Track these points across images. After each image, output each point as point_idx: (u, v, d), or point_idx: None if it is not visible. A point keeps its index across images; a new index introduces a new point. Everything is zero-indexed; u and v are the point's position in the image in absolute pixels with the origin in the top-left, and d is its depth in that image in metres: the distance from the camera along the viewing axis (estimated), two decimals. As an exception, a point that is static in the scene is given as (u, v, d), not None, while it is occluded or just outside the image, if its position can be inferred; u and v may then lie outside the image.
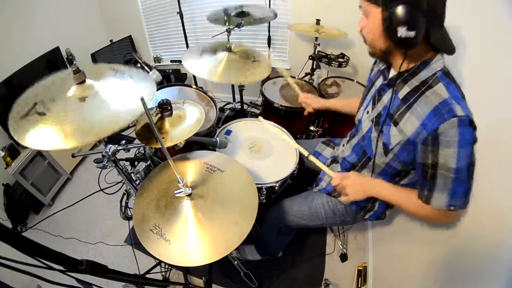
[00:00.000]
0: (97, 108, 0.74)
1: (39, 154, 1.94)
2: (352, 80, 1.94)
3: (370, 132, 0.91)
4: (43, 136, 0.65)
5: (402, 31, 0.64)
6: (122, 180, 1.44)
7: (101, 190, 2.04)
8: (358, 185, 0.94)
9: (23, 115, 0.67)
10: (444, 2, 0.66)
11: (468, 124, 0.66)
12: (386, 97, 0.85)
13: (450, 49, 0.71)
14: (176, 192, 0.82)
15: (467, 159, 0.68)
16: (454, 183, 0.71)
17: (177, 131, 0.99)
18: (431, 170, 0.74)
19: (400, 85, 0.80)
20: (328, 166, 1.18)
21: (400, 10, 0.63)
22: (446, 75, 0.72)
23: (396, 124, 0.80)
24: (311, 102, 1.34)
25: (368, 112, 0.95)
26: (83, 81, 0.77)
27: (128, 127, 2.77)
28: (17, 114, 0.69)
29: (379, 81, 0.92)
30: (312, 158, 1.07)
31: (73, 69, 0.74)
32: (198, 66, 1.39)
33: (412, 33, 0.64)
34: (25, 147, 1.79)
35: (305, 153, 1.08)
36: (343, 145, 1.13)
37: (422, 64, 0.74)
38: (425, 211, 0.80)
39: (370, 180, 0.95)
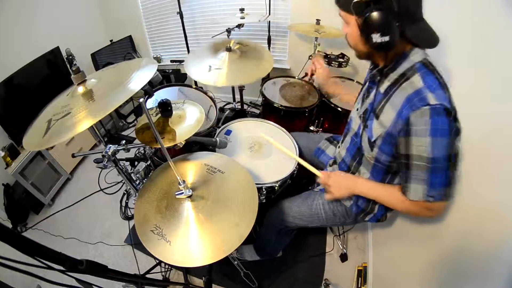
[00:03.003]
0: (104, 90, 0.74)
1: (39, 154, 1.94)
2: (352, 80, 1.94)
3: (360, 128, 0.93)
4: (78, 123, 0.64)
5: (376, 38, 0.67)
6: (122, 180, 1.44)
7: (101, 190, 2.04)
8: (341, 183, 0.97)
9: (44, 133, 0.67)
10: None
11: (443, 113, 0.65)
12: (373, 94, 0.87)
13: (429, 43, 0.72)
14: (176, 193, 0.83)
15: (443, 149, 0.67)
16: (430, 173, 0.70)
17: (177, 131, 0.99)
18: (406, 160, 0.74)
19: (382, 80, 0.82)
20: (330, 166, 1.18)
21: (371, 17, 0.65)
22: (425, 66, 0.73)
23: (377, 117, 0.81)
24: (323, 70, 1.34)
25: (357, 110, 0.97)
26: (84, 81, 0.77)
27: (128, 127, 2.77)
28: (39, 136, 0.68)
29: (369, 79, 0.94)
30: (299, 160, 1.13)
31: (73, 69, 0.74)
32: (202, 73, 1.41)
33: (386, 38, 0.66)
34: (24, 148, 1.79)
35: (293, 155, 1.15)
36: (339, 146, 1.14)
37: (402, 58, 0.75)
38: (407, 204, 0.79)
39: (352, 178, 0.98)
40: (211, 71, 1.43)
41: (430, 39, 0.72)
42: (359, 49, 0.80)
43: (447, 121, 0.66)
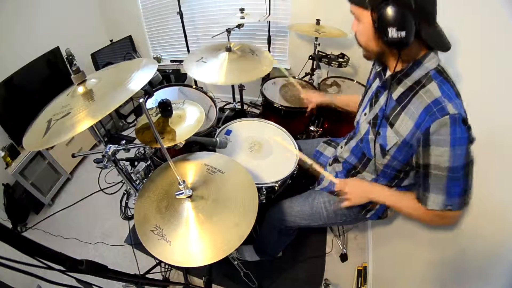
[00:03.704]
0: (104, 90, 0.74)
1: (39, 154, 1.94)
2: (352, 80, 1.94)
3: (367, 134, 0.92)
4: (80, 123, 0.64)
5: (392, 32, 0.64)
6: (122, 180, 1.44)
7: (101, 190, 2.04)
8: (359, 190, 0.96)
9: (44, 133, 0.66)
10: (433, 0, 0.66)
11: (461, 123, 0.66)
12: (383, 99, 0.86)
13: (444, 46, 0.71)
14: (176, 193, 0.83)
15: (461, 158, 0.68)
16: (449, 183, 0.71)
17: (177, 131, 0.99)
18: (425, 170, 0.74)
19: (394, 86, 0.80)
20: (330, 165, 1.19)
21: (388, 11, 0.63)
22: (440, 74, 0.72)
23: (392, 125, 0.80)
24: (313, 97, 1.35)
25: (365, 114, 0.95)
26: (84, 81, 0.77)
27: (128, 127, 2.77)
28: (39, 136, 0.67)
29: (376, 83, 0.93)
30: (316, 166, 1.10)
31: (73, 69, 0.74)
32: (201, 72, 1.41)
33: (402, 33, 0.64)
34: (24, 148, 1.80)
35: (309, 161, 1.12)
36: (341, 147, 1.14)
37: (415, 64, 0.74)
38: (423, 213, 0.79)
39: (369, 185, 0.97)
40: (200, 61, 1.46)
41: (444, 42, 0.71)
42: (370, 47, 0.76)
43: (465, 129, 0.67)
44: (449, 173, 0.69)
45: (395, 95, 0.80)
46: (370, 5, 0.68)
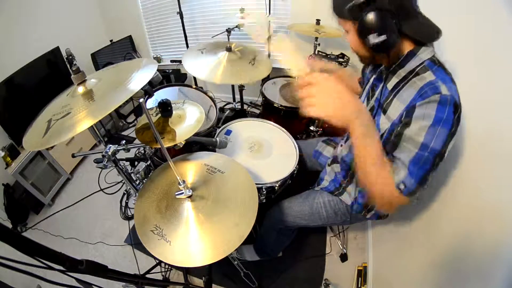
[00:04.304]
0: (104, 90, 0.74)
1: (39, 154, 1.94)
2: (352, 80, 1.94)
3: None
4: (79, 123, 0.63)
5: (374, 38, 0.67)
6: (122, 180, 1.44)
7: (101, 190, 2.04)
8: (332, 92, 0.67)
9: (44, 133, 0.66)
10: None
11: (451, 104, 0.63)
12: (378, 91, 0.87)
13: (430, 36, 0.71)
14: (176, 193, 0.83)
15: (438, 141, 0.64)
16: (413, 159, 0.67)
17: (177, 131, 0.99)
18: (397, 139, 0.70)
19: (389, 77, 0.81)
20: (329, 165, 1.19)
21: (367, 19, 0.66)
22: (434, 63, 0.72)
23: (384, 112, 0.81)
24: (316, 62, 1.26)
25: None
26: (84, 81, 0.77)
27: (128, 127, 2.77)
28: (39, 136, 0.67)
29: (373, 78, 0.94)
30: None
31: (73, 69, 0.74)
32: (199, 68, 1.41)
33: (383, 37, 0.66)
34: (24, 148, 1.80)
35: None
36: (341, 145, 1.13)
37: (410, 55, 0.74)
38: (381, 176, 0.70)
39: (349, 95, 0.68)
40: (199, 52, 1.50)
41: (430, 32, 0.71)
42: (361, 54, 0.80)
43: (453, 115, 0.64)
44: (419, 151, 0.65)
45: (390, 85, 0.81)
46: (350, 15, 0.70)
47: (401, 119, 0.72)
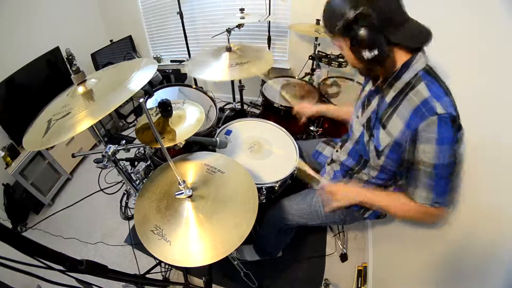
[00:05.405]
0: (104, 90, 0.74)
1: (39, 154, 1.95)
2: (352, 80, 1.94)
3: (362, 136, 0.94)
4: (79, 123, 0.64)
5: (366, 54, 0.70)
6: (122, 180, 1.44)
7: (101, 190, 2.04)
8: (347, 191, 0.97)
9: (44, 133, 0.66)
10: (397, 4, 0.69)
11: (449, 122, 0.68)
12: (375, 102, 0.88)
13: (420, 39, 0.72)
14: (176, 193, 0.83)
15: (447, 157, 0.70)
16: (436, 179, 0.73)
17: (177, 131, 0.99)
18: (414, 166, 0.76)
19: (386, 89, 0.82)
20: (328, 164, 1.19)
21: (356, 37, 0.69)
22: (428, 73, 0.74)
23: (384, 127, 0.83)
24: (306, 108, 1.35)
25: (358, 117, 0.97)
26: (84, 81, 0.77)
27: (128, 127, 2.77)
28: (39, 136, 0.67)
29: (369, 86, 0.94)
30: (311, 171, 1.10)
31: (73, 69, 0.74)
32: (207, 72, 1.47)
33: (375, 51, 0.68)
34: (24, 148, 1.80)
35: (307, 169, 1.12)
36: (337, 151, 1.14)
37: (404, 67, 0.76)
38: (412, 209, 0.80)
39: (355, 187, 0.98)
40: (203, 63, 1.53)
41: (419, 36, 0.72)
42: (358, 67, 0.82)
43: (452, 130, 0.69)
44: (435, 170, 0.72)
45: (388, 98, 0.82)
46: (340, 34, 0.73)
47: (406, 141, 0.76)
